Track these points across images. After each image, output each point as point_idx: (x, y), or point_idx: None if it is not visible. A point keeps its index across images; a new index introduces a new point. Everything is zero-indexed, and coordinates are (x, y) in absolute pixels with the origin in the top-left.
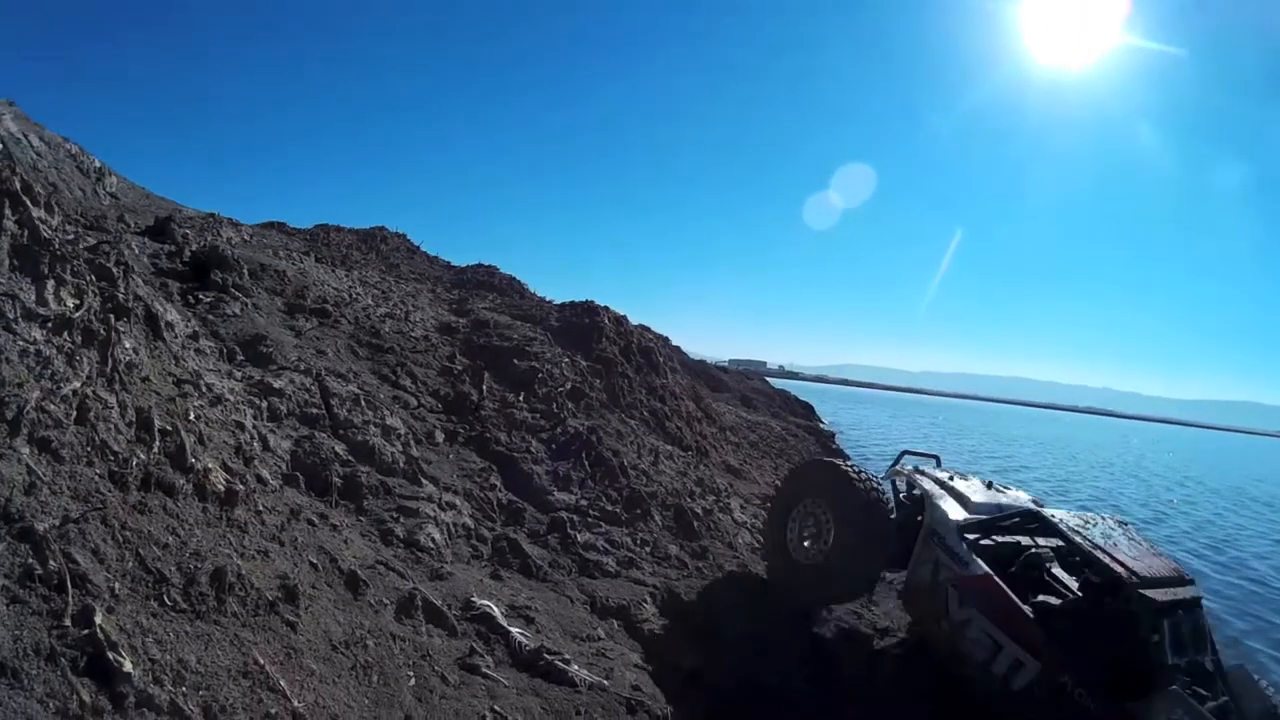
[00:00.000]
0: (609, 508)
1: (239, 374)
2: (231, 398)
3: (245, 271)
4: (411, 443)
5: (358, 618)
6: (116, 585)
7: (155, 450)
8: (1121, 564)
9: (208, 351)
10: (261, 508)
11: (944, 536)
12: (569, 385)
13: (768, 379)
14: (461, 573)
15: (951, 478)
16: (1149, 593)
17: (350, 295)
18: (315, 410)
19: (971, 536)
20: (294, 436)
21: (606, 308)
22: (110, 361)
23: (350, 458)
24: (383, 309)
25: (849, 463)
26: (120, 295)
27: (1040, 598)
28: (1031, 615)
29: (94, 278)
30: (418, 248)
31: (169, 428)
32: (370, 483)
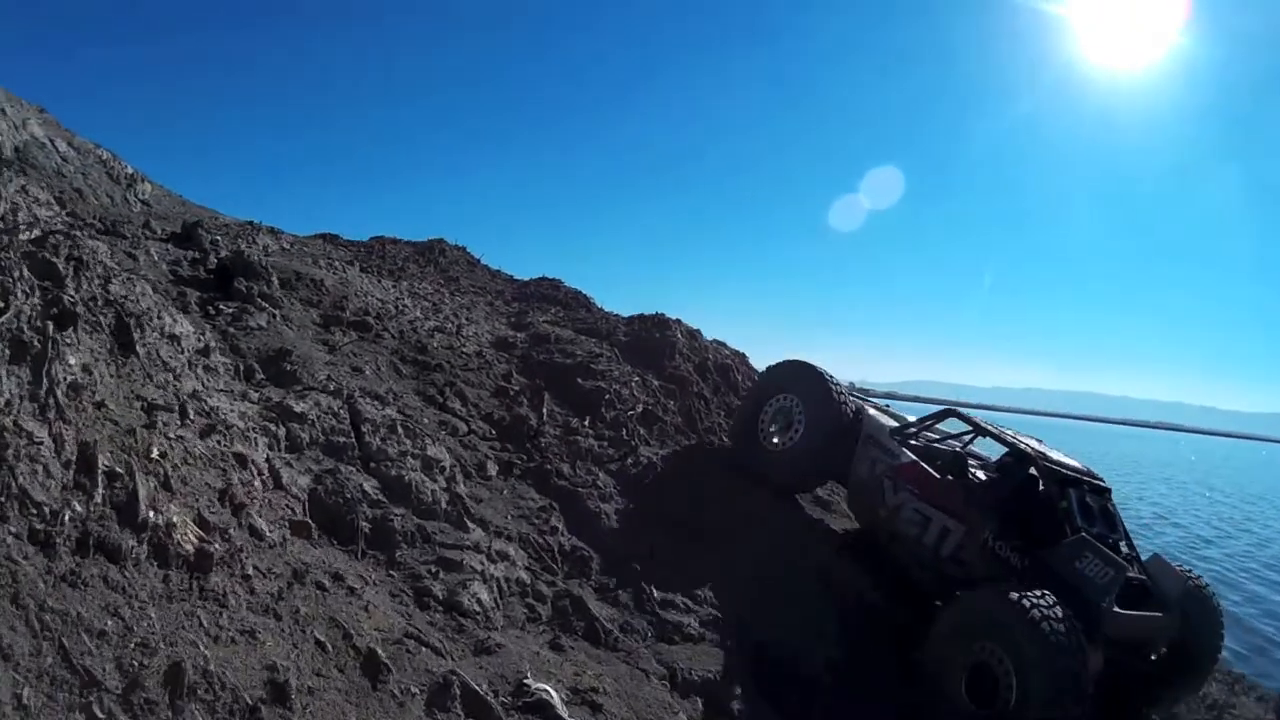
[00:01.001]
0: (689, 551)
1: (255, 395)
2: (241, 424)
3: (275, 280)
4: (458, 477)
5: (374, 717)
6: (25, 693)
7: (98, 500)
8: (1031, 446)
9: (219, 369)
10: (251, 570)
11: (878, 438)
12: (640, 408)
13: None
14: (513, 643)
15: (884, 406)
16: (1054, 466)
17: (396, 307)
18: (343, 438)
19: (900, 438)
20: (314, 471)
21: (678, 321)
22: (45, 382)
23: (382, 497)
24: (432, 322)
25: (822, 368)
26: (69, 298)
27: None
28: (953, 485)
29: (31, 276)
30: (478, 260)
31: (120, 469)
32: (405, 528)
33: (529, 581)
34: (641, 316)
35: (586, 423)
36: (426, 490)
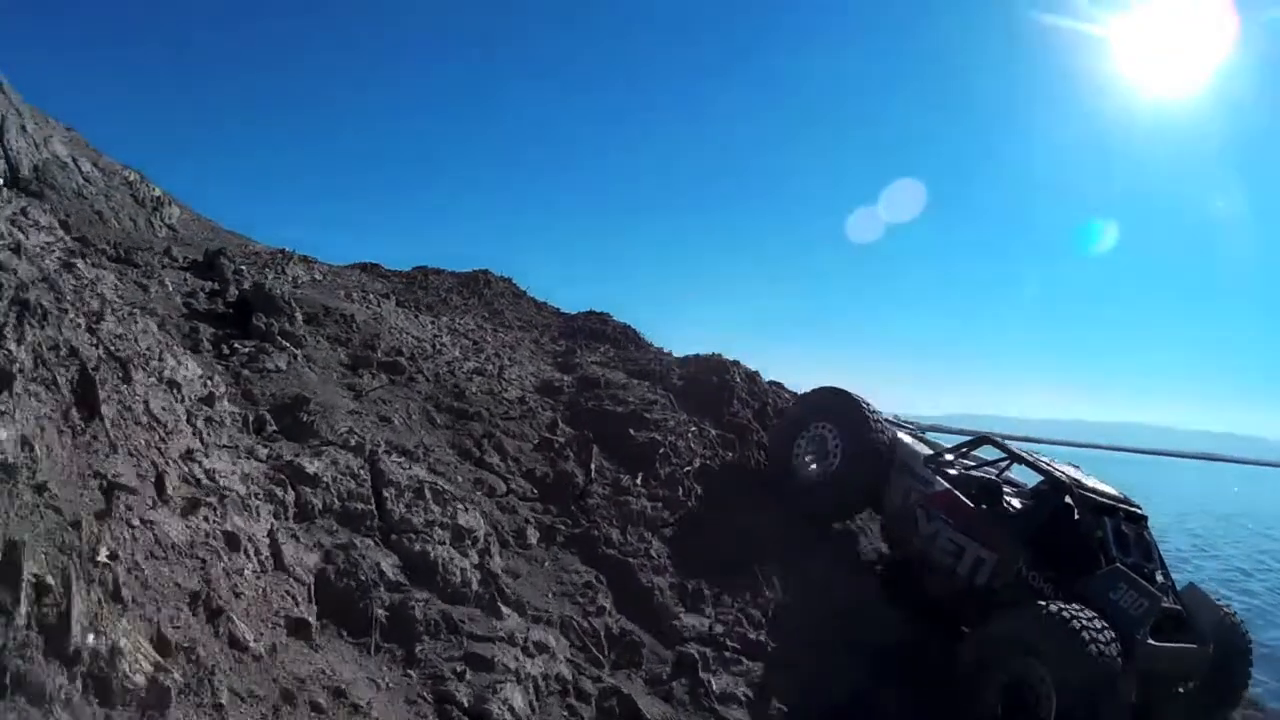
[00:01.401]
0: (752, 635)
1: (264, 452)
2: (241, 489)
3: (300, 316)
4: (493, 549)
5: None
6: None
7: (20, 623)
8: (1065, 474)
9: (225, 420)
10: (226, 697)
11: (912, 466)
12: (697, 462)
13: None
14: None
15: (917, 430)
16: (1089, 494)
17: (434, 345)
18: (361, 505)
19: (934, 465)
20: (325, 546)
21: (736, 363)
22: None
23: (403, 578)
24: (472, 363)
25: (859, 395)
26: (3, 355)
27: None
28: (987, 514)
29: None
30: (524, 293)
31: (53, 578)
32: (428, 616)
33: (570, 678)
34: (697, 358)
35: (639, 480)
36: (455, 569)
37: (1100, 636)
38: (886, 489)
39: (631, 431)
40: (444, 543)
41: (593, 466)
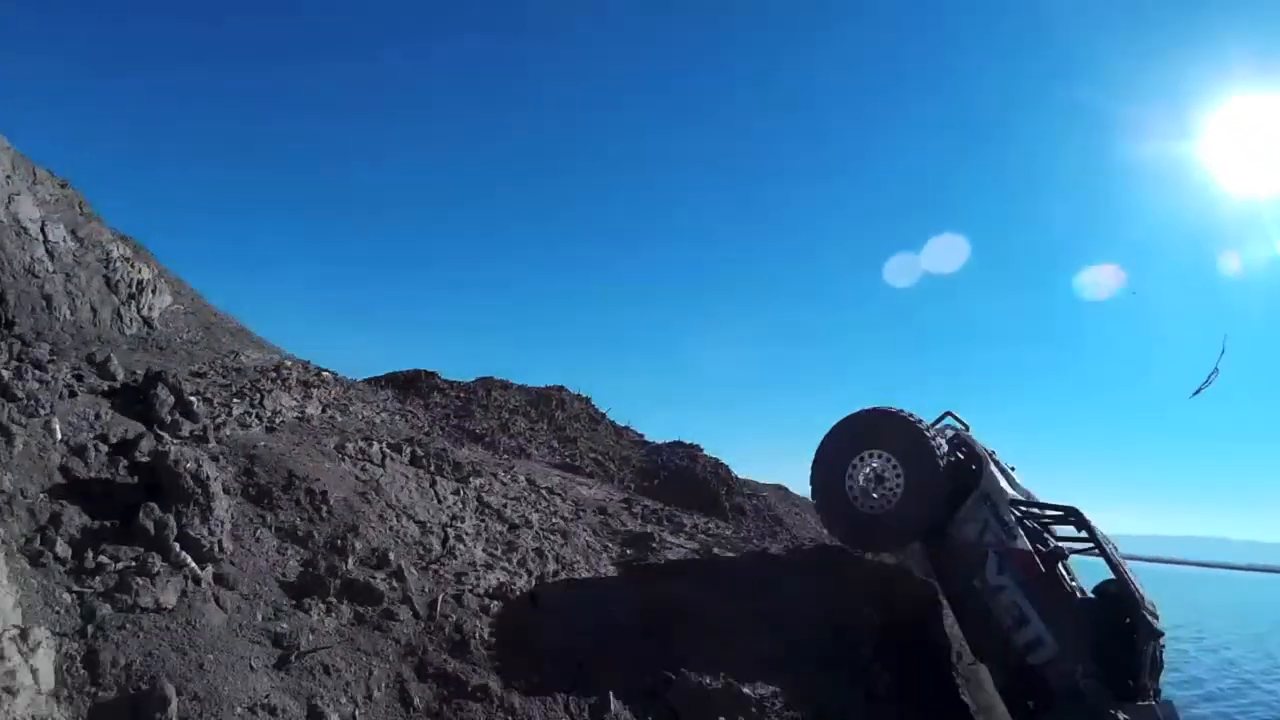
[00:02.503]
0: None
1: None
2: None
3: (223, 506)
4: None
5: None
6: None
7: None
8: (1137, 587)
9: None
10: None
11: (997, 505)
12: None
13: None
14: None
15: (993, 452)
16: (1153, 620)
17: (445, 540)
18: None
19: (1019, 512)
20: None
21: None
22: None
23: None
24: (496, 574)
25: (914, 416)
26: None
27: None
28: (1064, 598)
29: None
30: (603, 416)
31: None
32: None
33: None
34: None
35: None
36: None
37: None
38: (958, 515)
39: None
40: None
41: None
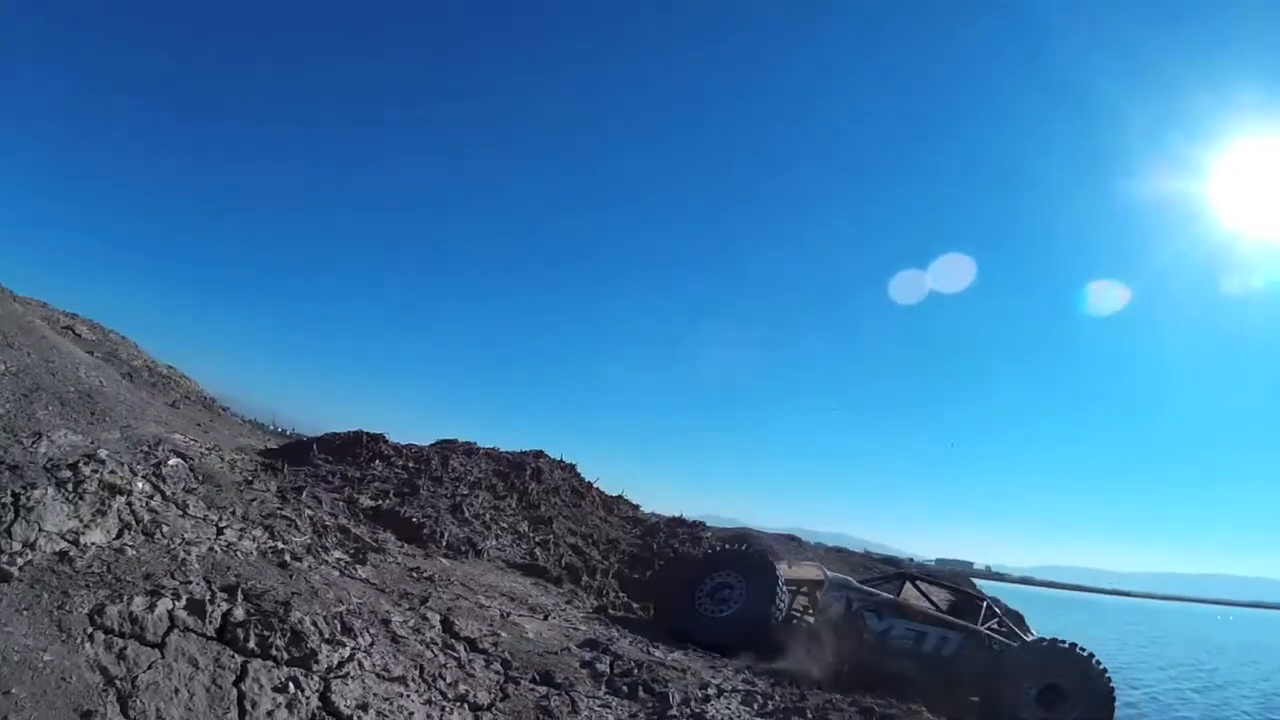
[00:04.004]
0: None
1: None
2: None
3: None
4: None
5: None
6: None
7: None
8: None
9: None
10: None
11: (848, 584)
12: None
13: (974, 580)
14: None
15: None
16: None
17: None
18: None
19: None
20: None
21: None
22: None
23: None
24: None
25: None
26: None
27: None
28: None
29: None
30: (589, 487)
31: None
32: None
33: None
34: None
35: None
36: None
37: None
38: (819, 607)
39: None
40: None
41: None
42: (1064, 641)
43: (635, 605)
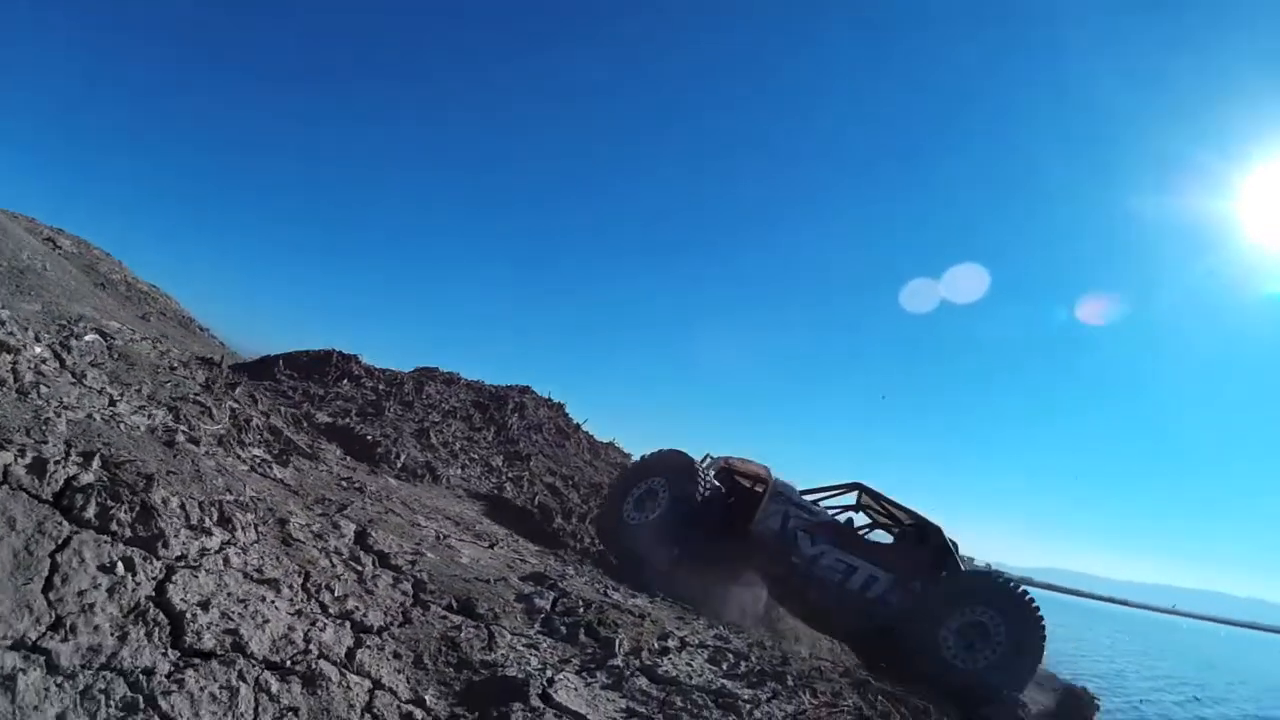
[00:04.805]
0: None
1: None
2: None
3: None
4: None
5: None
6: None
7: None
8: (929, 519)
9: None
10: None
11: (790, 496)
12: None
13: None
14: None
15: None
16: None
17: None
18: None
19: (810, 499)
20: None
21: None
22: None
23: None
24: None
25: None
26: None
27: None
28: (879, 546)
29: None
30: (577, 428)
31: None
32: None
33: None
34: None
35: None
36: None
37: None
38: (758, 515)
39: None
40: None
41: None
42: (991, 572)
43: (613, 558)
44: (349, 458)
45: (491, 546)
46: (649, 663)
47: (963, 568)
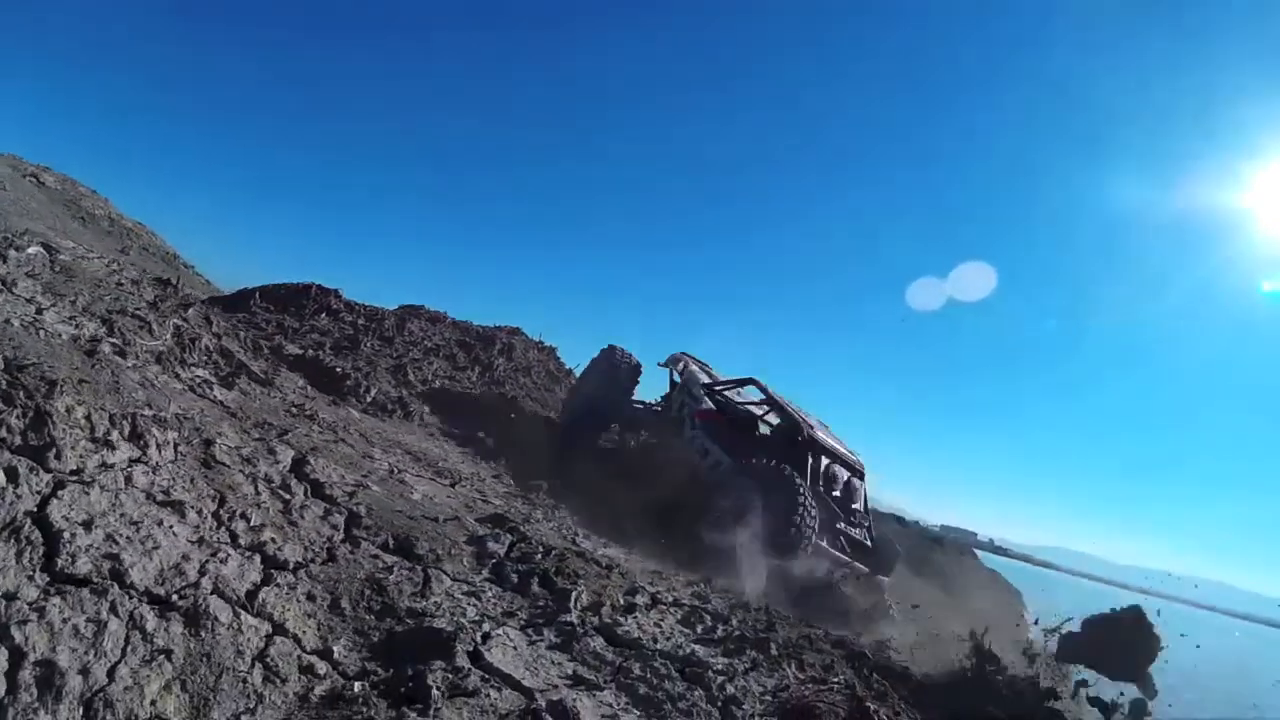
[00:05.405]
0: None
1: None
2: None
3: None
4: None
5: None
6: None
7: None
8: (806, 420)
9: None
10: None
11: (691, 388)
12: None
13: (976, 552)
14: None
15: (707, 365)
16: (818, 436)
17: None
18: None
19: (707, 390)
20: None
21: None
22: None
23: None
24: None
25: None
26: None
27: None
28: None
29: None
30: (569, 373)
31: None
32: None
33: None
34: None
35: None
36: None
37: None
38: (670, 400)
39: None
40: None
41: None
42: (777, 464)
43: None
44: (311, 388)
45: (453, 485)
46: (609, 620)
47: (869, 504)
